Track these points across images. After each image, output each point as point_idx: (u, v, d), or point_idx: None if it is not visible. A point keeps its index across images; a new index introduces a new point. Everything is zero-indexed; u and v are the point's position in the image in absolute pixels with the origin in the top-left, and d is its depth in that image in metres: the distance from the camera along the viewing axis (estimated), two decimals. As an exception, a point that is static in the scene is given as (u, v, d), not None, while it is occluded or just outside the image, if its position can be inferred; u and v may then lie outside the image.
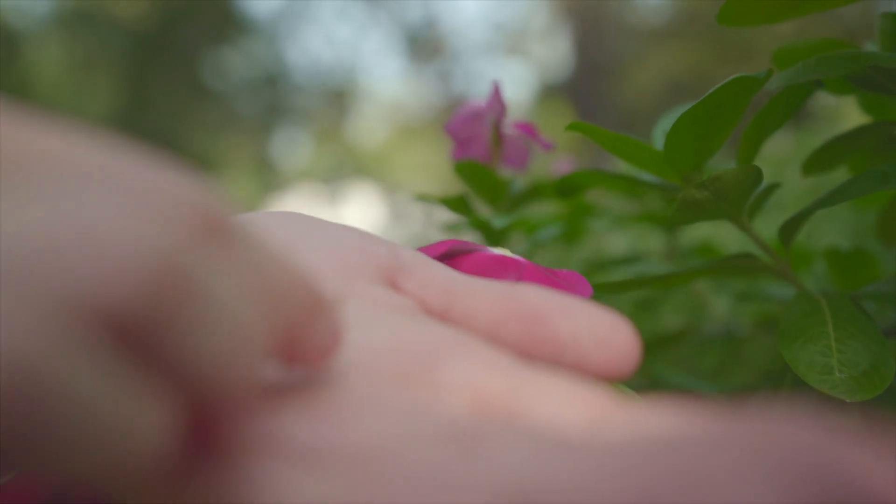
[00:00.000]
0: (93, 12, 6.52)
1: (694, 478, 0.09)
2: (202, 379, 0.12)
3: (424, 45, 7.46)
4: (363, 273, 0.19)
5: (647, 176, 0.31)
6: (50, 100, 6.25)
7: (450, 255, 0.23)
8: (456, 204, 0.34)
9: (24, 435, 0.10)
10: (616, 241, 0.50)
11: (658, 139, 0.30)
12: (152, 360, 0.12)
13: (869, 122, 0.29)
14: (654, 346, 0.37)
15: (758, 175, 0.26)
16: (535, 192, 0.35)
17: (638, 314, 0.42)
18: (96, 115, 6.48)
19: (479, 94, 0.35)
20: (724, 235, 0.49)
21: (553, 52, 6.60)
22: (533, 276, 0.22)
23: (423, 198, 0.34)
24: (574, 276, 0.23)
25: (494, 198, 0.34)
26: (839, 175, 0.36)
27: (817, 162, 0.30)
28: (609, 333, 0.17)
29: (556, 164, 0.47)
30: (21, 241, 0.11)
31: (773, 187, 0.28)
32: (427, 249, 0.23)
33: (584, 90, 5.47)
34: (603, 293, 0.35)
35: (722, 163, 0.38)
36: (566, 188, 0.33)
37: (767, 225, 0.39)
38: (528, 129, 0.35)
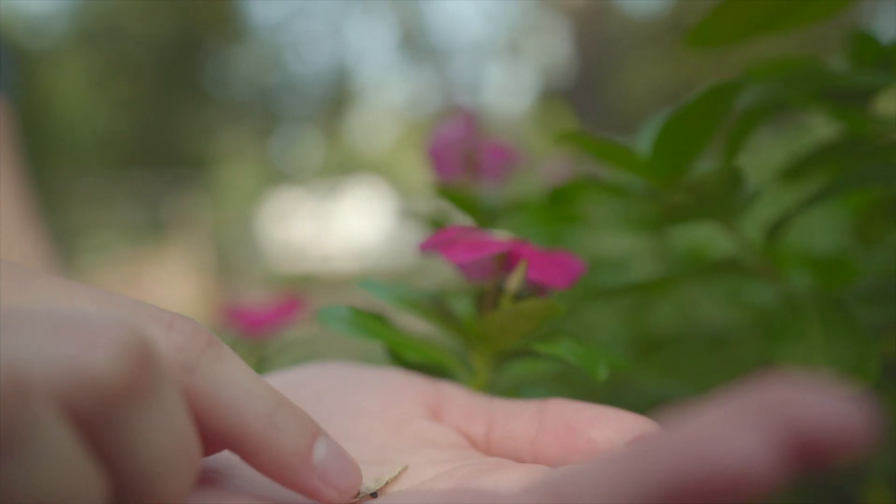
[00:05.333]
0: (107, 29, 6.55)
1: None
2: (139, 477, 0.14)
3: (425, 47, 7.46)
4: (412, 412, 0.22)
5: (635, 181, 0.31)
6: (69, 115, 6.28)
7: (455, 240, 0.24)
8: (440, 224, 0.35)
9: None
10: (607, 243, 0.50)
11: (643, 144, 0.30)
12: (100, 444, 0.14)
13: (843, 137, 0.30)
14: (645, 350, 0.37)
15: (738, 176, 0.26)
16: (520, 205, 0.36)
17: (629, 318, 0.43)
18: (114, 126, 6.51)
19: (476, 97, 0.36)
20: (714, 236, 0.49)
21: (553, 54, 6.60)
22: (530, 255, 0.24)
23: (411, 215, 0.36)
24: (567, 255, 0.26)
25: (475, 216, 0.35)
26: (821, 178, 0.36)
27: (795, 173, 0.31)
28: (638, 436, 0.19)
29: (548, 167, 0.48)
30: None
31: (756, 193, 0.29)
32: (436, 235, 0.25)
33: (582, 92, 5.47)
34: (593, 300, 0.35)
35: (710, 165, 0.38)
36: (559, 199, 0.34)
37: (755, 221, 0.39)
38: (500, 153, 0.36)
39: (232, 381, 0.17)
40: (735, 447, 0.10)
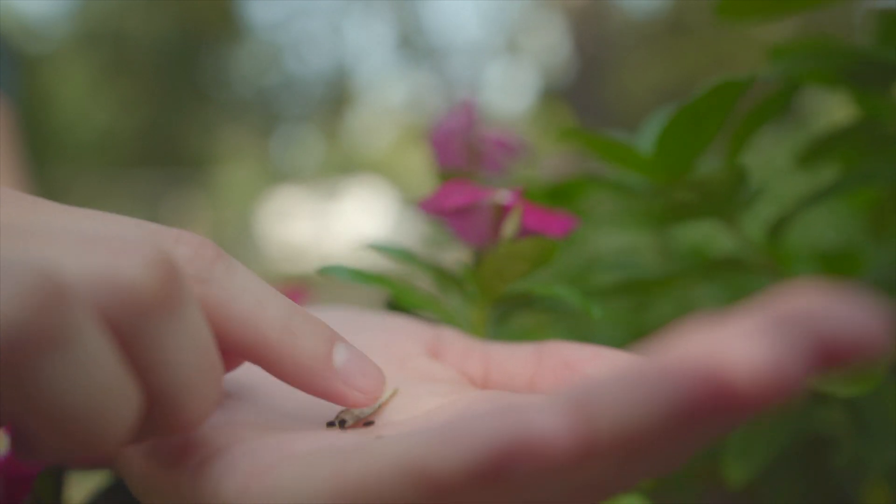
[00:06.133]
0: (108, 30, 6.55)
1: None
2: (168, 392, 0.15)
3: (424, 47, 7.46)
4: (413, 351, 0.22)
5: (637, 179, 0.31)
6: (69, 116, 6.28)
7: (453, 192, 0.24)
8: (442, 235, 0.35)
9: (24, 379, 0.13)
10: (606, 240, 0.50)
11: (645, 141, 0.30)
12: (132, 354, 0.14)
13: (861, 119, 0.30)
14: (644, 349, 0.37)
15: (742, 175, 0.26)
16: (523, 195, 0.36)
17: (629, 317, 0.43)
18: (114, 126, 6.51)
19: (473, 96, 0.36)
20: (716, 233, 0.49)
21: (552, 54, 6.60)
22: (525, 205, 0.25)
23: (413, 203, 0.35)
24: (561, 213, 0.27)
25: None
26: (828, 173, 0.36)
27: (811, 155, 0.31)
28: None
29: (547, 163, 0.48)
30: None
31: (759, 192, 0.29)
32: (435, 192, 0.25)
33: (581, 91, 5.47)
34: (594, 298, 0.35)
35: (712, 161, 0.38)
36: (561, 194, 0.34)
37: (757, 217, 0.39)
38: (502, 144, 0.36)
39: (245, 290, 0.17)
40: (764, 355, 0.10)
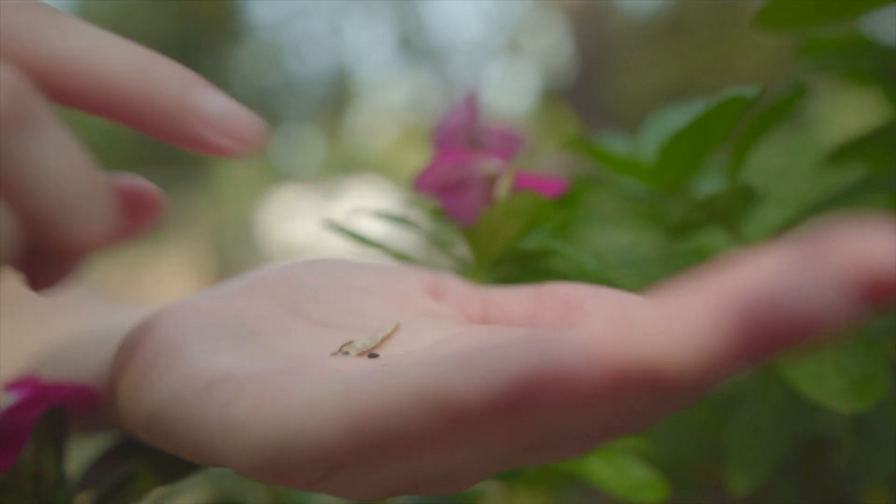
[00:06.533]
0: (108, 30, 6.55)
1: None
2: (47, 211, 0.14)
3: (424, 47, 7.45)
4: (413, 290, 0.22)
5: (639, 185, 0.31)
6: (69, 115, 6.27)
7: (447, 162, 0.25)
8: (438, 213, 0.35)
9: None
10: (607, 238, 0.50)
11: (648, 145, 0.30)
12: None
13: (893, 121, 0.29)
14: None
15: (749, 194, 0.26)
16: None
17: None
18: (114, 125, 6.50)
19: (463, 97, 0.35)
20: (719, 239, 0.49)
21: (553, 54, 6.60)
22: (520, 172, 0.26)
23: (415, 205, 0.36)
24: (552, 176, 0.27)
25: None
26: (833, 177, 0.36)
27: (840, 155, 0.30)
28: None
29: (547, 162, 0.48)
30: None
31: (763, 198, 0.29)
32: (429, 164, 0.26)
33: (582, 92, 5.47)
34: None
35: (715, 163, 0.38)
36: (564, 199, 0.34)
37: (758, 220, 0.39)
38: (504, 137, 0.36)
39: (80, 39, 0.16)
40: (812, 290, 0.10)
